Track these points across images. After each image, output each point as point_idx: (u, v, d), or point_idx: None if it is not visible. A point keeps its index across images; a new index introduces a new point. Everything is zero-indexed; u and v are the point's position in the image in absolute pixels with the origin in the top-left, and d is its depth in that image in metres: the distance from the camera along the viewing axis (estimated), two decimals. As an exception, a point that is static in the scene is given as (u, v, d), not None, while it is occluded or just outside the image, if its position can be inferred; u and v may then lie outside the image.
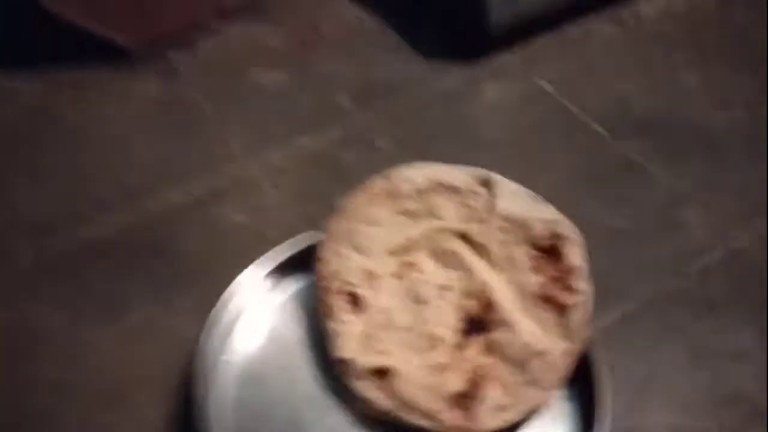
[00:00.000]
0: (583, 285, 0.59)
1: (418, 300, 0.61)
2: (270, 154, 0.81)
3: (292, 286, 0.66)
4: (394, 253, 0.63)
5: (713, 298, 0.69)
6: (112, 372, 0.66)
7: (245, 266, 0.66)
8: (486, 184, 0.65)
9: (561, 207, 0.64)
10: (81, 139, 0.84)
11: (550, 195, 0.65)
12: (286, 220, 0.75)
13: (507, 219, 0.63)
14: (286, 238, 0.68)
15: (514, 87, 0.89)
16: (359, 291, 0.61)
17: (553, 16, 0.94)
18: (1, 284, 0.72)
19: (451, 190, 0.65)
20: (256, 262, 0.66)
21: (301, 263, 0.66)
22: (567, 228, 0.62)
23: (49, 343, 0.68)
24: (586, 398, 0.58)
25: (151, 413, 0.63)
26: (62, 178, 0.81)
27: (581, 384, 0.59)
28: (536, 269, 0.61)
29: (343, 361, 0.59)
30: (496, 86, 0.89)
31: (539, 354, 0.57)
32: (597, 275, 0.63)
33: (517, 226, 0.62)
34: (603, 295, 0.63)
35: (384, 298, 0.61)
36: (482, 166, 0.67)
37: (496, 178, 0.65)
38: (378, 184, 0.66)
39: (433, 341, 0.59)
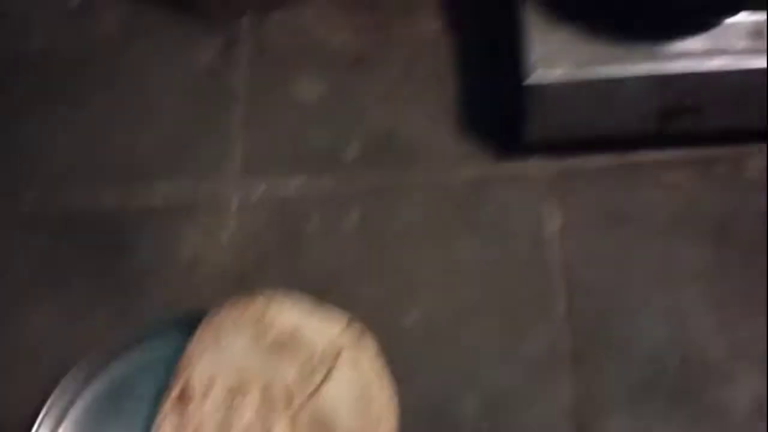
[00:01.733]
0: None
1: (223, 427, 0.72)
2: (260, 187, 0.84)
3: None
4: (239, 370, 0.73)
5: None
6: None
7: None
8: (336, 356, 0.73)
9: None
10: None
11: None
12: (223, 278, 0.82)
13: (316, 420, 0.71)
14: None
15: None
16: (193, 393, 0.73)
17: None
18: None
19: (302, 354, 0.73)
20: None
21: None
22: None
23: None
24: None
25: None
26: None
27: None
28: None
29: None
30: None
31: None
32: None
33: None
34: None
35: (206, 406, 0.73)
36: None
37: (344, 360, 0.73)
38: (253, 307, 0.75)
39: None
